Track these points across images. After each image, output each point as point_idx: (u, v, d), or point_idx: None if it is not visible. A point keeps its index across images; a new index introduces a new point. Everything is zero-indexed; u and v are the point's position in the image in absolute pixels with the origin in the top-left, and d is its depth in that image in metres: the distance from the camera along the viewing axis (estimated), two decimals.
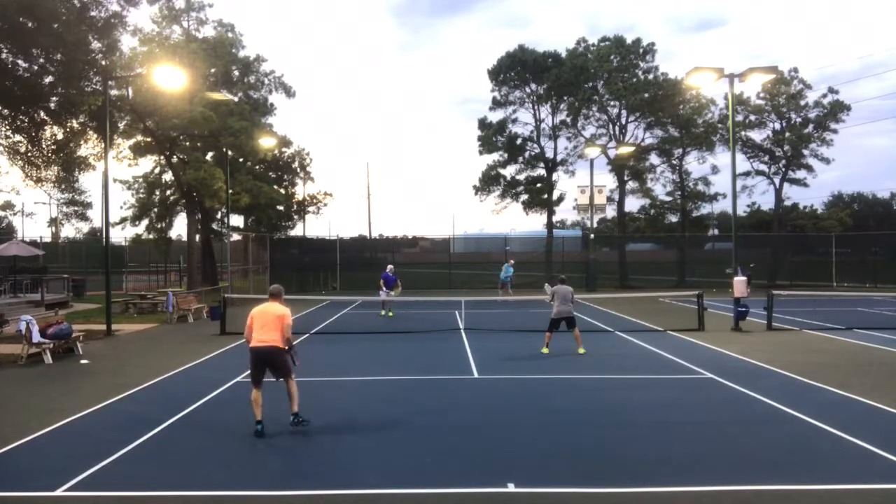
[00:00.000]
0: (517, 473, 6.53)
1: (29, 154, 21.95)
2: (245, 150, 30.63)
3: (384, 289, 22.12)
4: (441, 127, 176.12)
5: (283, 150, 42.15)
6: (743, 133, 40.38)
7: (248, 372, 8.37)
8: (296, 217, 45.73)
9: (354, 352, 14.84)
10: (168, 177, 32.80)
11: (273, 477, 6.55)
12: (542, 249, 42.26)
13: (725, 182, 49.58)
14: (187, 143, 31.14)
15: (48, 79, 20.14)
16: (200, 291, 27.12)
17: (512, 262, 30.22)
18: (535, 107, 41.67)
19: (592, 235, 37.47)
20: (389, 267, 22.83)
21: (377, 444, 7.62)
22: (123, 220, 32.92)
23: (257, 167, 37.93)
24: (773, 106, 40.24)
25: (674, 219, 43.46)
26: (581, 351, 13.81)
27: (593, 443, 7.71)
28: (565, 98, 40.67)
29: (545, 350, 13.89)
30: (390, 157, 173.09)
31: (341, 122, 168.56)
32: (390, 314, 22.46)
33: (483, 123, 41.89)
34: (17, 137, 21.55)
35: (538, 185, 41.62)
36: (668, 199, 41.78)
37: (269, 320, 8.16)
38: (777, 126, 40.97)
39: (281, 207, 41.32)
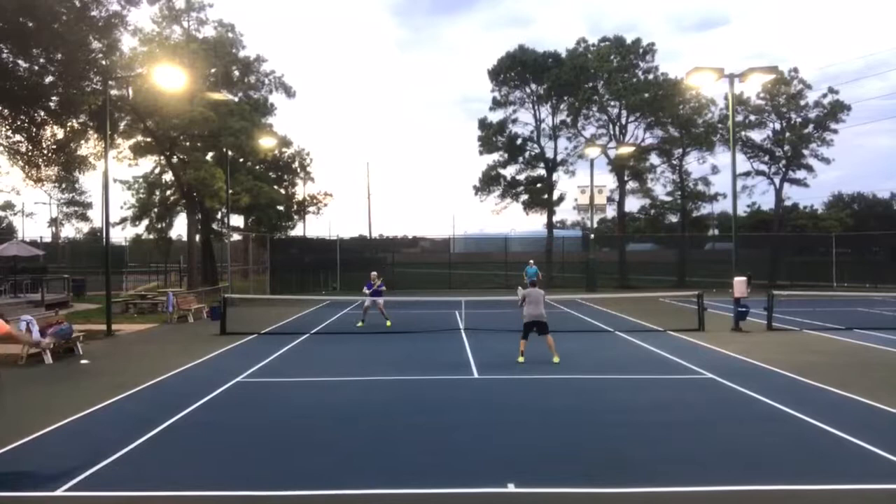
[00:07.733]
0: (517, 473, 6.52)
1: (29, 154, 21.95)
2: (245, 150, 30.69)
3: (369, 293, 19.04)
4: (441, 127, 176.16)
5: (283, 150, 42.24)
6: (743, 133, 40.39)
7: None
8: (296, 217, 45.87)
9: (354, 352, 14.82)
10: (168, 177, 32.89)
11: (273, 477, 6.54)
12: (542, 250, 42.24)
13: (725, 182, 49.57)
14: (187, 143, 31.18)
15: (48, 78, 20.17)
16: (200, 291, 27.13)
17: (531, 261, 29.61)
18: (536, 107, 41.75)
19: (592, 235, 37.45)
20: (373, 273, 19.53)
21: (377, 444, 7.62)
22: (124, 220, 33.10)
23: (257, 167, 38.01)
24: (773, 106, 40.27)
25: (674, 219, 43.52)
26: (556, 360, 12.68)
27: (593, 443, 7.71)
28: (565, 98, 40.71)
29: (521, 359, 12.76)
30: (390, 157, 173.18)
31: (341, 122, 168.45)
32: (388, 323, 18.85)
33: (483, 123, 41.94)
34: (18, 137, 21.56)
35: (538, 185, 41.68)
36: (669, 199, 41.83)
37: None
38: (777, 126, 41.01)
39: (281, 207, 41.42)
